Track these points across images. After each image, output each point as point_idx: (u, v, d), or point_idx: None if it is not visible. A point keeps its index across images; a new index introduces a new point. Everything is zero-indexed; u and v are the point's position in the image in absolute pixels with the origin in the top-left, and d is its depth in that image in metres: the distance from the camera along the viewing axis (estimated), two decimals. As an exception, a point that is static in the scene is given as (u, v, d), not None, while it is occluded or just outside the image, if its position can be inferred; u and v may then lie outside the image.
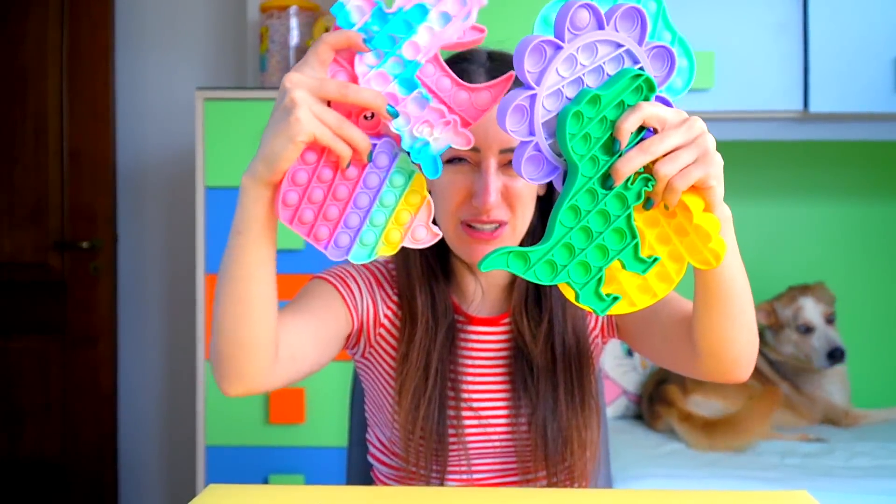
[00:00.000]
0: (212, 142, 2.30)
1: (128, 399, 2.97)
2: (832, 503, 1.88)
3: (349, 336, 1.19)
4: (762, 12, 2.25)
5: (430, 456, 1.16)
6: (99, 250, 2.88)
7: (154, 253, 2.96)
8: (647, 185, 0.84)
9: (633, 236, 0.86)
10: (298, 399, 2.27)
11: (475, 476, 1.20)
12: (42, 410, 2.88)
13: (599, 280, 0.86)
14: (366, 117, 0.89)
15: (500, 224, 1.11)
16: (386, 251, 0.91)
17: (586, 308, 0.87)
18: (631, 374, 2.59)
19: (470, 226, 1.11)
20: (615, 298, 0.86)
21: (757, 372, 2.50)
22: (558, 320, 1.19)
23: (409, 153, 0.89)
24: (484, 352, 1.21)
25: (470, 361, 1.21)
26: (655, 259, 0.86)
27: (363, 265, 1.22)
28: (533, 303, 1.20)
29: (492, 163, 1.09)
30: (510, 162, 1.10)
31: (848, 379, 2.53)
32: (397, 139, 0.89)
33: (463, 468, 1.19)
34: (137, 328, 2.96)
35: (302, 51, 2.47)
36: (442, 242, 1.22)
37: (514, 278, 1.22)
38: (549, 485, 1.18)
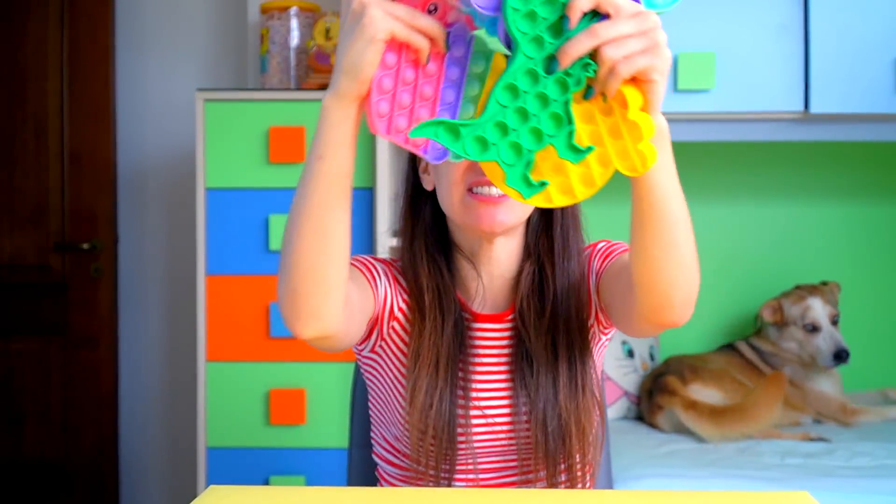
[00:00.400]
0: (212, 143, 2.30)
1: (129, 400, 2.97)
2: (833, 503, 1.88)
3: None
4: (763, 13, 2.24)
5: (440, 456, 1.16)
6: (99, 252, 2.88)
7: (155, 254, 2.96)
8: (587, 71, 0.82)
9: (570, 122, 0.83)
10: (299, 400, 2.27)
11: (480, 476, 1.20)
12: (43, 412, 2.88)
13: (528, 163, 0.84)
14: (430, 11, 0.87)
15: None
16: None
17: (512, 191, 0.84)
18: (632, 375, 2.59)
19: (478, 194, 1.12)
20: (543, 184, 0.84)
21: (750, 365, 2.54)
22: (561, 309, 1.19)
23: (486, 30, 0.87)
24: (489, 349, 1.21)
25: (476, 360, 1.21)
26: (590, 148, 0.83)
27: (379, 259, 1.23)
28: (536, 295, 1.20)
29: None
30: None
31: (839, 372, 2.56)
32: (469, 22, 0.87)
33: (469, 467, 1.19)
34: (138, 329, 2.96)
35: (302, 51, 2.47)
36: (446, 241, 1.23)
37: (517, 274, 1.22)
38: (550, 483, 1.18)
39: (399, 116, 0.86)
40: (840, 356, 2.44)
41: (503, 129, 0.83)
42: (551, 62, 0.82)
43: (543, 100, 0.83)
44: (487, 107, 0.83)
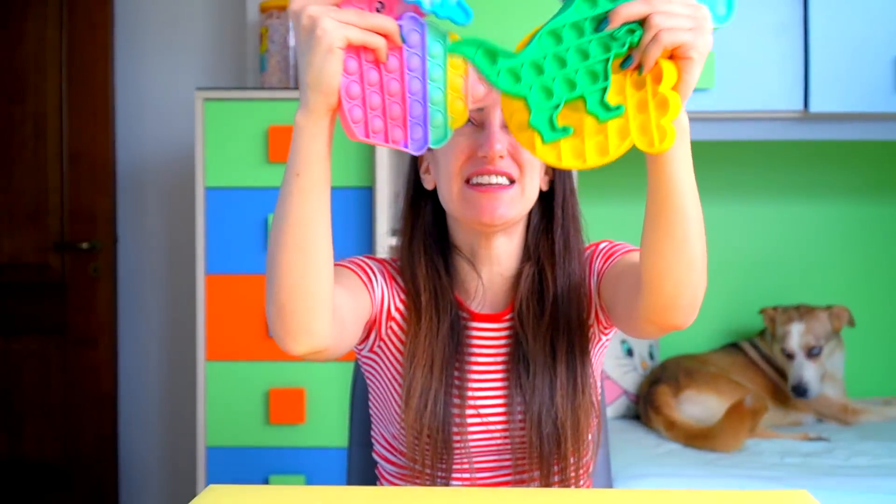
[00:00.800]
0: (212, 142, 2.30)
1: (128, 400, 2.97)
2: (832, 502, 1.88)
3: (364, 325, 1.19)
4: (763, 12, 2.24)
5: (436, 456, 1.16)
6: (99, 251, 2.88)
7: (154, 253, 2.96)
8: (632, 36, 0.84)
9: (606, 79, 0.85)
10: (298, 399, 2.27)
11: (476, 475, 1.20)
12: (42, 411, 2.88)
13: (556, 108, 0.86)
14: (377, 10, 0.89)
15: (511, 181, 1.12)
16: (458, 123, 0.92)
17: (531, 134, 0.86)
18: (631, 374, 2.59)
19: (478, 185, 1.13)
20: (566, 130, 0.85)
21: (754, 365, 2.53)
22: (561, 311, 1.19)
23: (434, 14, 0.88)
24: (486, 348, 1.21)
25: (473, 359, 1.21)
26: (620, 107, 0.85)
27: (374, 259, 1.23)
28: (536, 297, 1.20)
29: (497, 116, 1.11)
30: None
31: (842, 375, 2.55)
32: (417, 11, 0.89)
33: (465, 466, 1.19)
34: (137, 329, 2.96)
35: (302, 51, 2.47)
36: (446, 242, 1.23)
37: (517, 274, 1.22)
38: (543, 483, 1.18)
39: (374, 118, 0.88)
40: (796, 390, 2.42)
41: (538, 69, 0.86)
42: (599, 24, 0.85)
43: (583, 55, 0.85)
44: (528, 47, 0.85)
